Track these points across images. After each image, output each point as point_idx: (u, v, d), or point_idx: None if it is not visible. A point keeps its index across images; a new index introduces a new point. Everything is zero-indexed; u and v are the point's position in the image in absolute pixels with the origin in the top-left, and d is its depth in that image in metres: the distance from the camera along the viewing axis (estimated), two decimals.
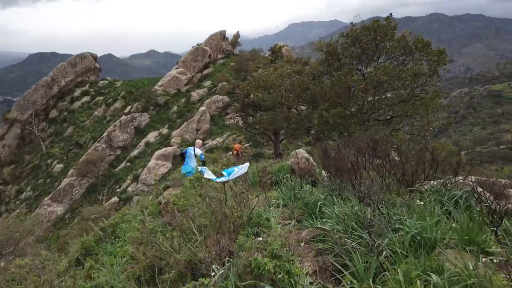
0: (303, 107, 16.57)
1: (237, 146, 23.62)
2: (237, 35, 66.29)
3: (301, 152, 6.25)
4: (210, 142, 41.26)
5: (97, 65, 60.78)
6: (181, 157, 11.24)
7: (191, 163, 10.59)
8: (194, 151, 10.72)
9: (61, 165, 47.30)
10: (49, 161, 48.30)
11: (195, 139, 13.43)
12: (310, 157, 6.24)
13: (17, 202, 45.49)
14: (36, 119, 52.04)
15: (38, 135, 49.65)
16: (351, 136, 12.14)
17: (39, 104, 52.94)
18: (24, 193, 46.18)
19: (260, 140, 39.37)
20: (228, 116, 28.83)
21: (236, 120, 20.15)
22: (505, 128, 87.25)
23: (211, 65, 56.56)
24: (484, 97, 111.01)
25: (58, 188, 43.61)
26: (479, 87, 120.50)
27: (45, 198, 43.07)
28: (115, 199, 39.64)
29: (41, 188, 46.03)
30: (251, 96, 17.17)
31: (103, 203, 37.75)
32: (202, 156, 10.46)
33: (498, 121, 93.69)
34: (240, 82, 19.51)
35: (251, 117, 17.82)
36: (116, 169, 45.12)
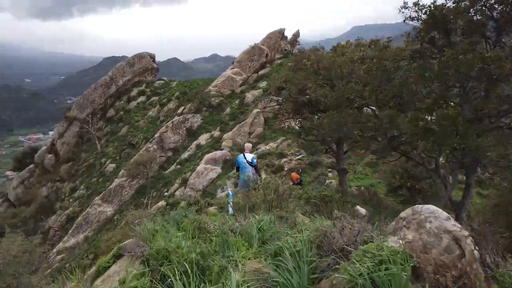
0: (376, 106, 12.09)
1: (294, 176, 19.28)
2: (296, 34, 62.35)
3: (436, 214, 2.29)
4: (263, 147, 37.88)
5: (155, 65, 60.42)
6: (236, 170, 10.27)
7: (247, 172, 9.45)
8: (245, 157, 9.62)
9: (114, 165, 46.85)
10: (103, 160, 48.18)
11: (245, 143, 11.27)
12: (463, 234, 2.19)
13: (71, 200, 45.73)
14: (94, 118, 52.56)
15: (94, 134, 49.88)
16: (472, 153, 7.68)
17: (97, 103, 53.46)
18: (78, 191, 46.35)
19: (319, 147, 35.01)
20: (278, 120, 24.85)
21: (287, 124, 15.82)
22: None
23: (268, 65, 53.20)
24: None
25: (108, 188, 42.97)
26: None
27: (96, 198, 42.61)
28: (162, 203, 37.74)
29: (93, 187, 45.87)
30: (308, 91, 12.90)
31: (149, 207, 36.02)
32: (254, 161, 9.57)
33: None
34: (292, 74, 15.08)
35: (306, 120, 13.62)
36: (166, 172, 43.48)
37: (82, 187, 46.44)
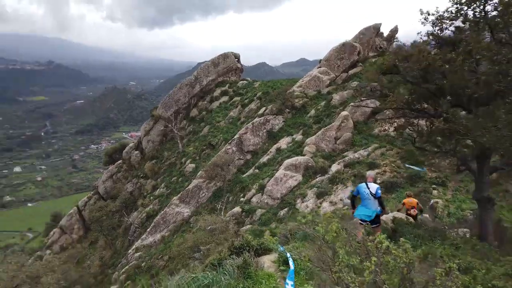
0: None
1: (411, 202, 13.90)
2: (394, 30, 55.51)
3: None
4: (351, 155, 33.07)
5: (239, 65, 59.02)
6: (352, 202, 9.54)
7: (371, 206, 8.68)
8: (369, 188, 8.69)
9: (193, 165, 46.11)
10: (183, 160, 47.86)
11: (367, 171, 9.34)
12: None
13: (151, 197, 46.09)
14: (177, 117, 52.84)
15: (176, 133, 49.95)
16: None
17: (181, 102, 53.72)
18: (159, 189, 46.57)
19: (420, 158, 29.03)
20: (379, 120, 19.49)
21: (394, 126, 10.46)
22: None
23: (360, 64, 47.75)
24: None
25: (186, 188, 42.14)
26: None
27: (174, 198, 42.08)
28: (237, 209, 35.32)
29: (173, 186, 45.65)
30: (446, 67, 7.54)
31: (222, 213, 33.85)
32: (379, 192, 8.67)
33: None
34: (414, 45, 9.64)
35: (432, 119, 8.68)
36: (243, 175, 41.10)
37: (162, 185, 46.57)
